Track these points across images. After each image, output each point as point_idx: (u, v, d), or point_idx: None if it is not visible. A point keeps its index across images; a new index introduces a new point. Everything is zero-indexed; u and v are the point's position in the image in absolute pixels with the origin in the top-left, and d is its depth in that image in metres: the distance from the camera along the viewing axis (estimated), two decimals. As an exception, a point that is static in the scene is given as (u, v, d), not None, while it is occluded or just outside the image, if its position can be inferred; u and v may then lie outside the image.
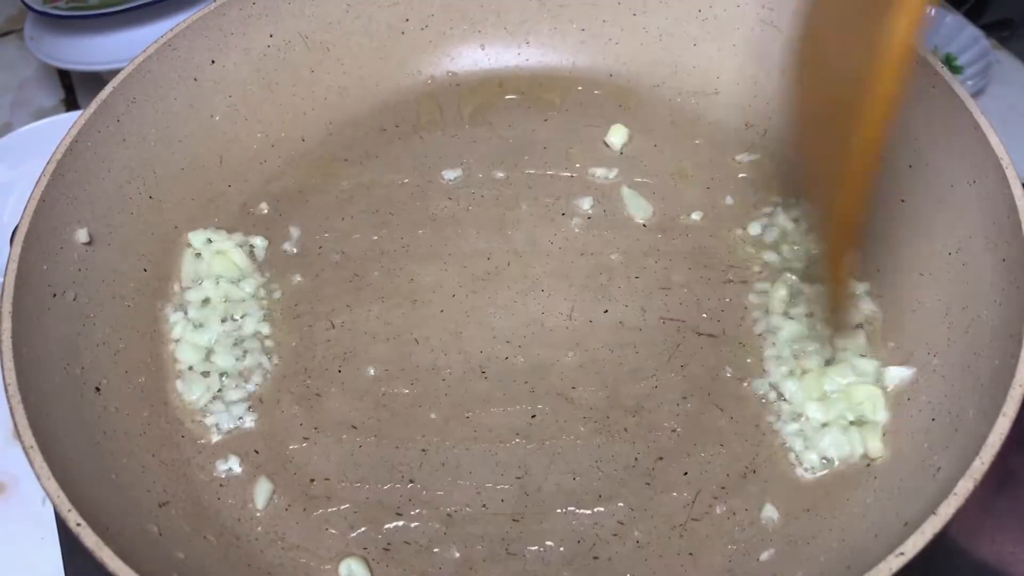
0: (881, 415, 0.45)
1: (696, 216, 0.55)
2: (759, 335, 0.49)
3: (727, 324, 0.50)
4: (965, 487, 0.34)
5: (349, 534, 0.44)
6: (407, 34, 0.62)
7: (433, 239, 0.55)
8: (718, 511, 0.44)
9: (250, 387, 0.49)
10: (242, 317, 0.51)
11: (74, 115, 0.56)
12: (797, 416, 0.46)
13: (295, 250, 0.55)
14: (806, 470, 0.44)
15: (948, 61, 0.73)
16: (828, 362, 0.47)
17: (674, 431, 0.46)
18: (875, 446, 0.44)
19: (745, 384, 0.48)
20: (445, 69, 0.63)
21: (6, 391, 0.40)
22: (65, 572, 0.50)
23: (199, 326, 0.51)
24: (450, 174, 0.58)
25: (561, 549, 0.43)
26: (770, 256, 0.52)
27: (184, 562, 0.40)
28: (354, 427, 0.48)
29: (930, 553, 0.34)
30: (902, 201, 0.50)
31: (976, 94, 0.71)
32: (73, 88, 0.83)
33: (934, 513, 0.34)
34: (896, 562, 0.33)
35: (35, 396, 0.40)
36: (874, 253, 0.51)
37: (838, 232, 0.41)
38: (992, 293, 0.42)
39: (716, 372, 0.48)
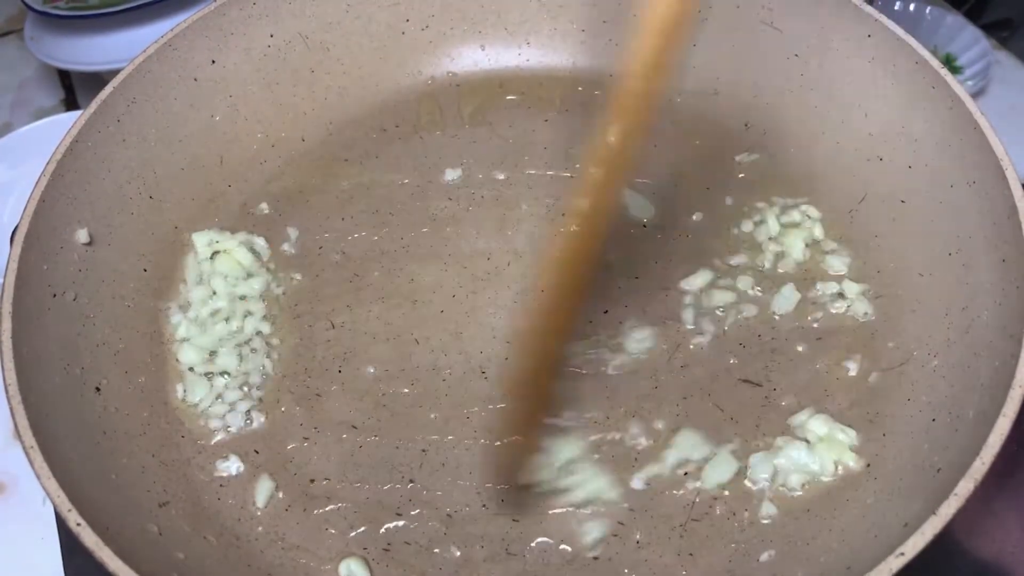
0: (844, 435, 0.45)
1: (696, 216, 0.55)
2: (758, 336, 0.49)
3: (727, 325, 0.50)
4: (965, 487, 0.34)
5: (349, 534, 0.44)
6: (407, 34, 0.62)
7: (433, 239, 0.55)
8: (718, 511, 0.44)
9: (250, 387, 0.49)
10: (244, 317, 0.51)
11: (74, 115, 0.56)
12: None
13: (295, 250, 0.55)
14: (791, 489, 0.44)
15: (948, 61, 0.73)
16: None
17: (674, 431, 0.46)
18: (848, 458, 0.44)
19: (745, 384, 0.48)
20: (445, 69, 0.63)
21: (6, 391, 0.40)
22: (65, 572, 0.50)
23: (202, 326, 0.51)
24: (450, 174, 0.58)
25: (561, 549, 0.43)
26: (763, 257, 0.52)
27: (184, 562, 0.40)
28: (354, 427, 0.48)
29: (930, 553, 0.34)
30: (902, 201, 0.50)
31: (976, 94, 0.71)
32: (73, 88, 0.83)
33: (934, 513, 0.34)
34: (896, 562, 0.33)
35: (35, 396, 0.40)
36: (873, 253, 0.51)
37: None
38: (992, 293, 0.42)
39: (716, 372, 0.48)
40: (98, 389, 0.46)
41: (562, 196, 0.57)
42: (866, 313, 0.49)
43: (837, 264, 0.52)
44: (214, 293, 0.52)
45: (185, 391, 0.49)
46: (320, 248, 0.55)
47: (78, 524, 0.36)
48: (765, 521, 0.43)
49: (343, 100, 0.61)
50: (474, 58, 0.64)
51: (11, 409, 0.39)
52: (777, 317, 0.50)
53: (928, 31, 0.75)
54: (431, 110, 0.62)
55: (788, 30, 0.56)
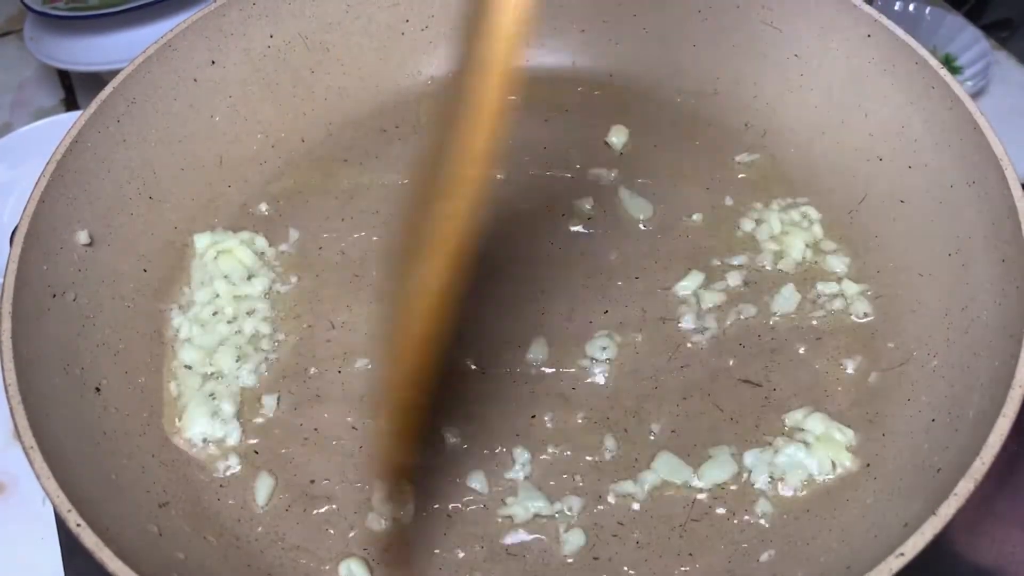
0: (841, 434, 0.45)
1: (696, 216, 0.55)
2: (758, 336, 0.50)
3: (727, 325, 0.50)
4: (965, 487, 0.34)
5: (349, 534, 0.44)
6: (407, 35, 0.62)
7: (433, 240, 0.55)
8: (718, 511, 0.44)
9: (251, 387, 0.49)
10: (244, 317, 0.51)
11: (74, 115, 0.56)
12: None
13: (295, 250, 0.55)
14: (791, 489, 0.44)
15: (948, 61, 0.73)
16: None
17: (674, 432, 0.46)
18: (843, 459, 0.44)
19: (745, 384, 0.48)
20: (445, 70, 0.63)
21: (6, 391, 0.40)
22: (65, 572, 0.50)
23: (204, 326, 0.51)
24: (450, 174, 0.58)
25: (561, 549, 0.43)
26: (763, 257, 0.52)
27: (184, 562, 0.40)
28: (354, 428, 0.48)
29: (930, 554, 0.34)
30: (901, 201, 0.50)
31: (976, 94, 0.71)
32: (73, 88, 0.83)
33: (934, 514, 0.34)
34: (896, 563, 0.33)
35: (35, 396, 0.40)
36: (873, 253, 0.51)
37: None
38: (992, 293, 0.42)
39: (716, 372, 0.48)
40: (98, 389, 0.46)
41: (562, 196, 0.57)
42: (866, 313, 0.49)
43: (837, 264, 0.52)
44: (217, 295, 0.52)
45: (185, 391, 0.49)
46: (320, 248, 0.55)
47: (78, 524, 0.36)
48: (765, 521, 0.43)
49: (343, 101, 0.61)
50: (474, 58, 0.64)
51: (11, 409, 0.39)
52: (777, 317, 0.50)
53: (928, 31, 0.75)
54: (431, 110, 0.62)
55: (788, 30, 0.56)
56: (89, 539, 0.36)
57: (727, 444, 0.46)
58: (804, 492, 0.44)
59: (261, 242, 0.55)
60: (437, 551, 0.43)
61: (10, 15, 0.91)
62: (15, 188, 0.67)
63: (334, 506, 0.45)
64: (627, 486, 0.44)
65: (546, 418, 0.47)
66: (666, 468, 0.45)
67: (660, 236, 0.54)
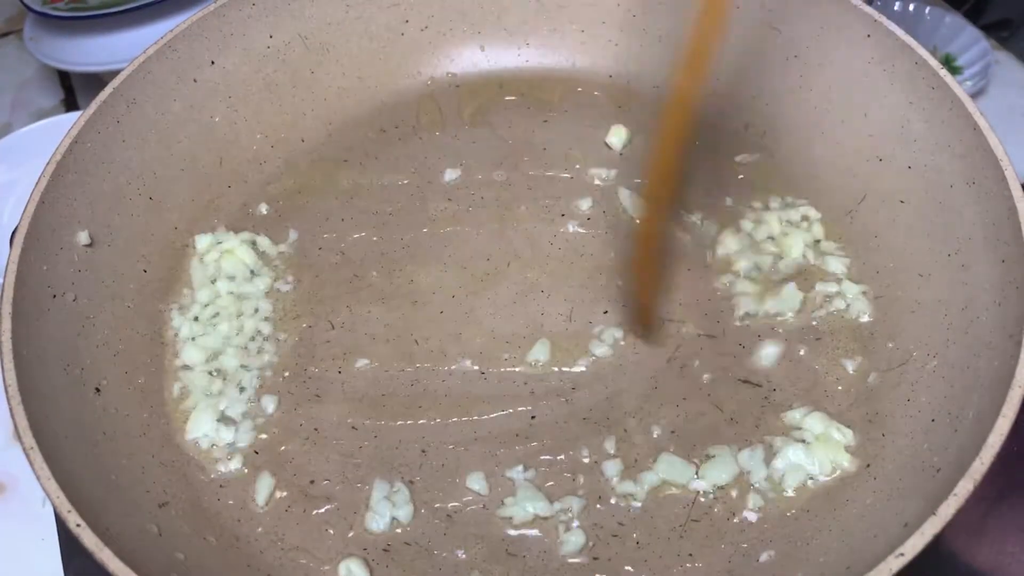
0: (841, 434, 0.45)
1: (696, 217, 0.55)
2: (758, 336, 0.50)
3: (727, 324, 0.50)
4: (965, 487, 0.35)
5: (348, 534, 0.44)
6: (407, 35, 0.62)
7: (433, 240, 0.55)
8: (718, 511, 0.44)
9: (251, 388, 0.49)
10: (244, 318, 0.51)
11: (74, 116, 0.56)
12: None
13: (295, 251, 0.55)
14: (790, 490, 0.44)
15: (948, 61, 0.73)
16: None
17: (673, 432, 0.46)
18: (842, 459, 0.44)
19: (745, 384, 0.48)
20: (445, 70, 0.63)
21: (6, 392, 0.40)
22: (65, 573, 0.50)
23: (203, 327, 0.51)
24: (450, 175, 0.58)
25: (561, 549, 0.43)
26: (763, 257, 0.52)
27: (184, 563, 0.40)
28: (354, 428, 0.48)
29: (930, 554, 0.34)
30: (901, 202, 0.50)
31: (976, 94, 0.71)
32: (73, 89, 0.83)
33: (934, 514, 0.34)
34: (896, 563, 0.33)
35: (35, 397, 0.40)
36: (873, 254, 0.51)
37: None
38: (991, 294, 0.42)
39: (716, 372, 0.48)
40: (98, 390, 0.46)
41: (562, 196, 0.57)
42: (865, 313, 0.49)
43: (837, 264, 0.52)
44: (217, 295, 0.52)
45: (186, 392, 0.49)
46: (320, 249, 0.55)
47: (78, 525, 0.36)
48: (765, 521, 0.43)
49: (343, 101, 0.61)
50: (473, 59, 0.64)
51: (11, 410, 0.39)
52: (777, 317, 0.50)
53: (928, 31, 0.75)
54: (431, 111, 0.62)
55: (788, 30, 0.56)
56: (89, 539, 0.36)
57: (727, 444, 0.46)
58: (804, 492, 0.44)
59: (262, 242, 0.55)
60: (437, 551, 0.43)
61: (10, 15, 0.91)
62: (15, 189, 0.67)
63: (334, 506, 0.45)
64: (627, 486, 0.44)
65: (546, 418, 0.47)
66: (667, 469, 0.45)
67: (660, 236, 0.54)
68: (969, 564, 0.47)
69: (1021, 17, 0.81)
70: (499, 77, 0.64)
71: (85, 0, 0.72)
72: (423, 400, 0.48)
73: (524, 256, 0.54)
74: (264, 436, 0.48)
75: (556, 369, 0.49)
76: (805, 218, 0.54)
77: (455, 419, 0.48)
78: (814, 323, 0.50)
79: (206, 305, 0.52)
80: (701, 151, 0.58)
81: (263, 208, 0.57)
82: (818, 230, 0.53)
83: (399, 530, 0.44)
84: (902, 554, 0.34)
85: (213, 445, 0.47)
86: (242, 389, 0.49)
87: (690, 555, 0.42)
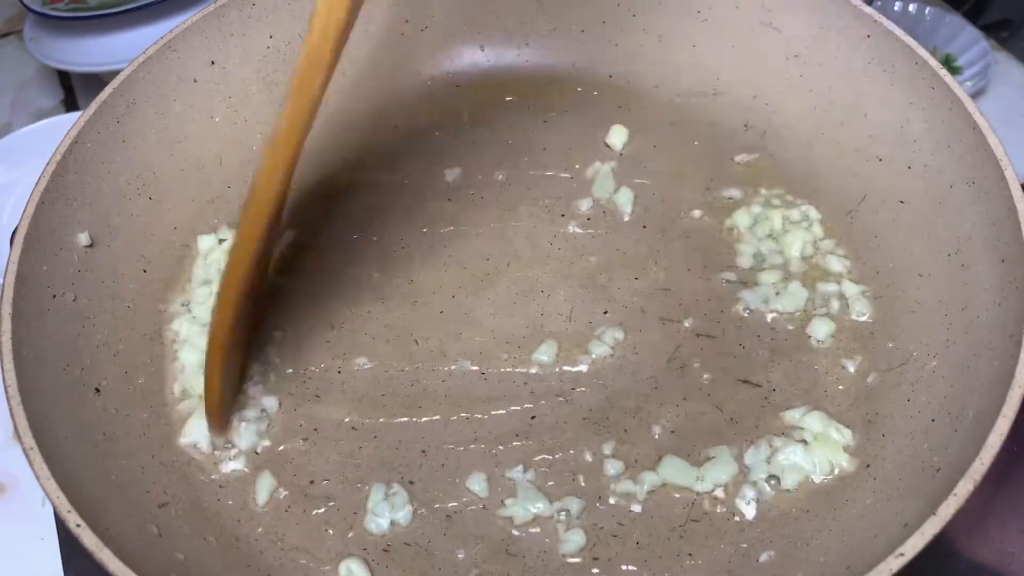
0: (840, 434, 0.45)
1: (696, 216, 0.55)
2: (758, 336, 0.50)
3: (727, 325, 0.50)
4: (965, 487, 0.35)
5: (348, 534, 0.44)
6: (407, 35, 0.62)
7: (433, 240, 0.55)
8: (718, 511, 0.44)
9: (250, 388, 0.49)
10: (242, 318, 0.52)
11: (74, 116, 0.56)
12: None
13: (294, 251, 0.55)
14: (790, 489, 0.44)
15: (947, 62, 0.74)
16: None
17: (673, 432, 0.46)
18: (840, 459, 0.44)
19: (745, 384, 0.48)
20: (445, 70, 0.63)
21: (6, 392, 0.40)
22: (65, 573, 0.50)
23: (204, 327, 0.51)
24: (450, 175, 0.58)
25: (561, 549, 0.43)
26: (763, 257, 0.52)
27: (184, 563, 0.40)
28: (354, 428, 0.48)
29: (930, 554, 0.34)
30: (901, 202, 0.50)
31: (975, 95, 0.71)
32: (73, 89, 0.83)
33: (934, 514, 0.34)
34: (896, 563, 0.33)
35: (35, 397, 0.40)
36: (873, 254, 0.51)
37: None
38: (991, 294, 0.42)
39: (716, 373, 0.48)
40: (98, 390, 0.46)
41: (562, 196, 0.57)
42: (865, 313, 0.49)
43: (837, 264, 0.52)
44: (217, 293, 0.52)
45: (185, 392, 0.49)
46: (320, 249, 0.55)
47: (78, 525, 0.36)
48: (765, 521, 0.43)
49: (343, 101, 0.61)
50: (473, 59, 0.64)
51: (11, 410, 0.39)
52: (777, 317, 0.50)
53: (928, 32, 0.75)
54: (430, 111, 0.62)
55: (788, 30, 0.56)
56: (89, 540, 0.36)
57: (727, 444, 0.46)
58: (804, 492, 0.44)
59: (261, 242, 0.55)
60: (437, 551, 0.43)
61: (10, 16, 0.91)
62: (15, 189, 0.67)
63: (334, 506, 0.45)
64: (627, 486, 0.44)
65: (546, 418, 0.47)
66: (668, 469, 0.45)
67: (660, 236, 0.54)
68: (969, 564, 0.47)
69: (1021, 17, 0.81)
70: (499, 77, 0.64)
71: (85, 0, 0.72)
72: (423, 400, 0.48)
73: (524, 256, 0.54)
74: (264, 436, 0.48)
75: (556, 369, 0.49)
76: (805, 218, 0.54)
77: (455, 419, 0.48)
78: (814, 323, 0.50)
79: (205, 304, 0.52)
80: (701, 150, 0.58)
81: (263, 208, 0.57)
82: (818, 230, 0.53)
83: (399, 530, 0.44)
84: (902, 554, 0.34)
85: (215, 446, 0.47)
86: (242, 389, 0.49)
87: (690, 555, 0.42)
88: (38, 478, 0.37)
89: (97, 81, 0.74)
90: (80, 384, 0.45)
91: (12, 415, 0.39)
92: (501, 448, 0.46)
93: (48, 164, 0.47)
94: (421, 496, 0.45)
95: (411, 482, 0.45)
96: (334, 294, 0.53)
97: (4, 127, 0.79)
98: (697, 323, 0.50)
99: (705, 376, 0.48)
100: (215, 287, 0.52)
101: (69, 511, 0.36)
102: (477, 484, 0.45)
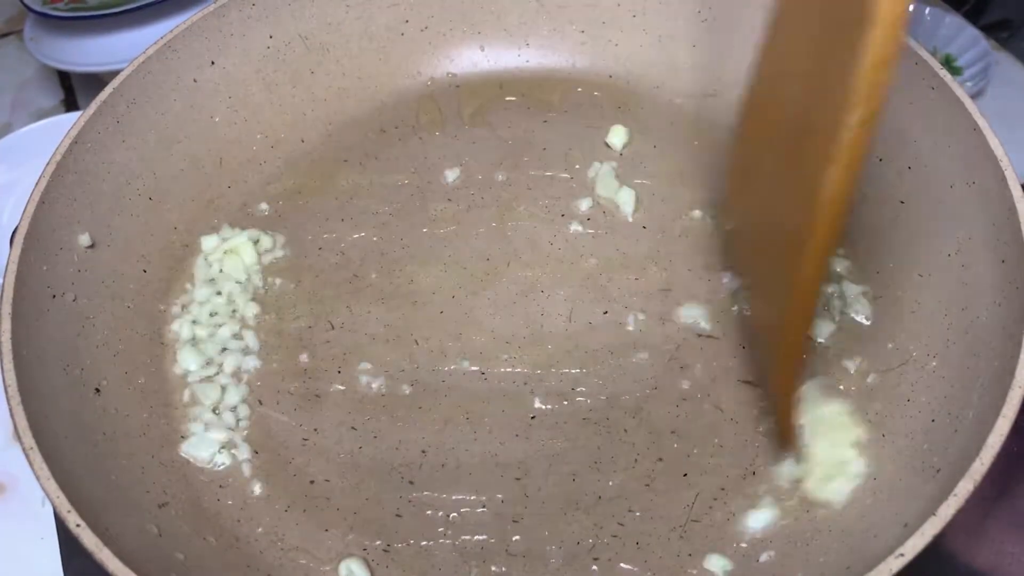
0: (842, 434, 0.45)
1: (696, 216, 0.55)
2: (758, 336, 0.49)
3: (727, 326, 0.50)
4: (965, 488, 0.34)
5: (349, 535, 0.44)
6: (407, 35, 0.62)
7: (433, 240, 0.55)
8: (718, 512, 0.44)
9: (250, 388, 0.49)
10: (245, 317, 0.52)
11: (74, 116, 0.56)
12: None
13: (294, 251, 0.55)
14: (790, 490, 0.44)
15: (948, 62, 0.73)
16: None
17: (674, 432, 0.46)
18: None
19: (745, 384, 0.48)
20: (445, 70, 0.63)
21: (6, 392, 0.40)
22: (64, 573, 0.50)
23: (203, 327, 0.51)
24: (450, 175, 0.58)
25: (561, 549, 0.43)
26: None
27: (184, 563, 0.40)
28: (353, 428, 0.48)
29: (930, 554, 0.34)
30: (901, 202, 0.50)
31: (976, 95, 0.71)
32: (73, 89, 0.83)
33: (934, 514, 0.34)
34: (896, 563, 0.33)
35: (35, 397, 0.40)
36: (873, 254, 0.51)
37: (787, 338, 0.40)
38: (992, 294, 0.42)
39: (716, 373, 0.48)
40: (98, 390, 0.46)
41: (562, 196, 0.57)
42: (865, 313, 0.49)
43: (837, 264, 0.52)
44: (217, 294, 0.52)
45: (185, 392, 0.49)
46: (320, 249, 0.55)
47: (78, 525, 0.36)
48: (765, 521, 0.43)
49: (342, 101, 0.61)
50: (473, 59, 0.64)
51: (10, 410, 0.39)
52: (777, 317, 0.50)
53: (928, 32, 0.75)
54: (430, 111, 0.62)
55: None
56: (89, 540, 0.36)
57: (727, 444, 0.46)
58: (803, 492, 0.44)
59: (263, 242, 0.55)
60: (437, 551, 0.43)
61: (10, 16, 0.91)
62: (15, 189, 0.67)
63: (334, 506, 0.45)
64: (627, 486, 0.44)
65: (546, 418, 0.47)
66: (669, 470, 0.45)
67: (660, 236, 0.54)
68: (969, 564, 0.47)
69: (1021, 17, 0.81)
70: (499, 77, 0.64)
71: (85, 0, 0.72)
72: (423, 400, 0.48)
73: (524, 256, 0.54)
74: (264, 437, 0.48)
75: (556, 369, 0.49)
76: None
77: (455, 419, 0.48)
78: (814, 323, 0.50)
79: (206, 305, 0.52)
80: (701, 150, 0.58)
81: (263, 208, 0.57)
82: (818, 230, 0.53)
83: (399, 530, 0.44)
84: (902, 554, 0.34)
85: (215, 446, 0.47)
86: (241, 389, 0.49)
87: (690, 555, 0.42)
88: (38, 478, 0.37)
89: (97, 81, 0.74)
90: (80, 384, 0.45)
91: (12, 415, 0.39)
92: (501, 448, 0.46)
93: (48, 164, 0.47)
94: (421, 496, 0.45)
95: (411, 482, 0.45)
96: (334, 294, 0.53)
97: (4, 127, 0.79)
98: (697, 323, 0.50)
99: (705, 376, 0.48)
100: (218, 287, 0.52)
101: (69, 511, 0.36)
102: (477, 484, 0.45)
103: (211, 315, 0.51)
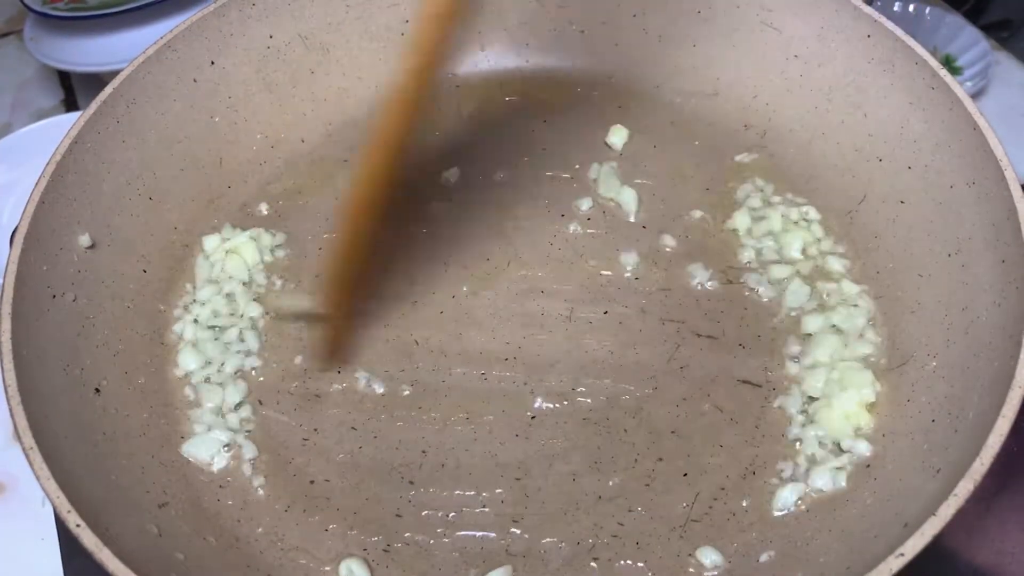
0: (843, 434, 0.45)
1: (696, 216, 0.55)
2: (758, 336, 0.50)
3: (727, 325, 0.50)
4: (965, 488, 0.34)
5: (349, 535, 0.44)
6: (407, 35, 0.62)
7: (433, 240, 0.55)
8: (718, 511, 0.44)
9: (250, 388, 0.49)
10: (245, 317, 0.52)
11: (74, 116, 0.56)
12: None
13: (295, 251, 0.55)
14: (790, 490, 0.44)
15: (948, 62, 0.73)
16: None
17: (673, 432, 0.46)
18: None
19: (745, 384, 0.48)
20: (445, 70, 0.63)
21: (6, 392, 0.40)
22: (65, 573, 0.50)
23: (204, 327, 0.51)
24: (450, 175, 0.58)
25: (561, 549, 0.43)
26: (763, 257, 0.52)
27: (184, 563, 0.40)
28: (354, 428, 0.48)
29: (930, 554, 0.34)
30: (901, 202, 0.50)
31: (976, 95, 0.71)
32: (73, 89, 0.83)
33: (934, 514, 0.34)
34: (896, 563, 0.33)
35: (35, 397, 0.40)
36: (873, 254, 0.51)
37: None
38: (991, 294, 0.42)
39: (716, 373, 0.48)
40: (98, 390, 0.46)
41: (562, 196, 0.57)
42: (865, 313, 0.49)
43: (837, 265, 0.52)
44: (218, 294, 0.52)
45: (185, 393, 0.49)
46: (320, 249, 0.55)
47: (78, 525, 0.36)
48: (765, 521, 0.43)
49: (342, 101, 0.61)
50: (474, 59, 0.64)
51: (11, 410, 0.39)
52: (777, 317, 0.50)
53: (928, 32, 0.75)
54: (431, 111, 0.62)
55: (788, 30, 0.56)
56: (89, 540, 0.36)
57: (727, 444, 0.46)
58: (803, 492, 0.44)
59: (263, 242, 0.55)
60: (437, 551, 0.43)
61: (10, 15, 0.91)
62: (15, 189, 0.67)
63: (334, 506, 0.45)
64: (627, 486, 0.44)
65: (546, 418, 0.47)
66: (669, 471, 0.45)
67: (660, 236, 0.54)
68: (969, 564, 0.47)
69: (1021, 17, 0.81)
70: (499, 77, 0.64)
71: (85, 0, 0.72)
72: (423, 400, 0.48)
73: (524, 256, 0.54)
74: (264, 437, 0.48)
75: (556, 369, 0.49)
76: (805, 218, 0.54)
77: (455, 419, 0.48)
78: (814, 323, 0.50)
79: (206, 305, 0.52)
80: (701, 150, 0.58)
81: (263, 208, 0.57)
82: (818, 230, 0.53)
83: (399, 530, 0.44)
84: (902, 554, 0.34)
85: (215, 446, 0.47)
86: (242, 389, 0.49)
87: (690, 555, 0.42)
88: (38, 478, 0.37)
89: (97, 81, 0.74)
90: (80, 384, 0.45)
91: (12, 415, 0.39)
92: (501, 448, 0.46)
93: (48, 164, 0.47)
94: (421, 497, 0.45)
95: (411, 482, 0.45)
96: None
97: (4, 127, 0.79)
98: (697, 323, 0.50)
99: (705, 376, 0.48)
100: (220, 287, 0.52)
101: (69, 511, 0.36)
102: (477, 485, 0.45)
103: (212, 315, 0.51)
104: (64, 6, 0.71)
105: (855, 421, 0.45)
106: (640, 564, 0.42)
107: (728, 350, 0.49)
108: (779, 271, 0.52)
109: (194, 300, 0.52)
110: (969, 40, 0.74)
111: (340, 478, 0.46)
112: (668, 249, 0.54)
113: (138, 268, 0.52)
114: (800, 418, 0.46)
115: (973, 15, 0.79)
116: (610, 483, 0.45)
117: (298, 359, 0.50)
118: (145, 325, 0.50)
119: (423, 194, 0.57)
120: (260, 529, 0.44)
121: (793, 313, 0.50)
